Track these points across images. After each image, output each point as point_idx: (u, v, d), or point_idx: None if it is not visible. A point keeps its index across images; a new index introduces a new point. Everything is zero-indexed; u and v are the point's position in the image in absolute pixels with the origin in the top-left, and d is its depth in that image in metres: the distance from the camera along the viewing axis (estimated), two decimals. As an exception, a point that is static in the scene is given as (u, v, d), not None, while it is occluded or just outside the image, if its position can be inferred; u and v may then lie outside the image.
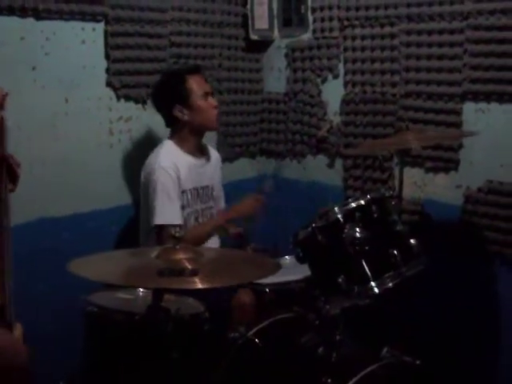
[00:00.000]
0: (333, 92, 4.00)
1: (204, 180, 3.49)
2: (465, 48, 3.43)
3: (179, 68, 3.61)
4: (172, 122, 3.43)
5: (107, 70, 3.53)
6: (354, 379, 2.45)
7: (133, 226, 3.56)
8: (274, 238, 3.77)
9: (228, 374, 2.70)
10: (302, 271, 2.94)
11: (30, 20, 3.22)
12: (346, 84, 3.94)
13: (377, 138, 3.80)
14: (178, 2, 3.78)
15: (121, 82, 3.56)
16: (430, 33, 3.55)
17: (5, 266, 2.11)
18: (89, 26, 3.44)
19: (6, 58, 3.15)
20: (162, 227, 3.19)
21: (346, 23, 3.89)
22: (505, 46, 3.30)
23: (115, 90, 3.56)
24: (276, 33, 4.23)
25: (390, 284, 2.61)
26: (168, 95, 3.39)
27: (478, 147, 3.45)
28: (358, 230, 2.61)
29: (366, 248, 2.61)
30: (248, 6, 4.11)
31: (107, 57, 3.51)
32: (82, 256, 2.40)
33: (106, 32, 3.49)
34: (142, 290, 2.74)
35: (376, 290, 2.59)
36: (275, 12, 4.20)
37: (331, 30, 3.96)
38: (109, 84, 3.55)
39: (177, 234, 2.33)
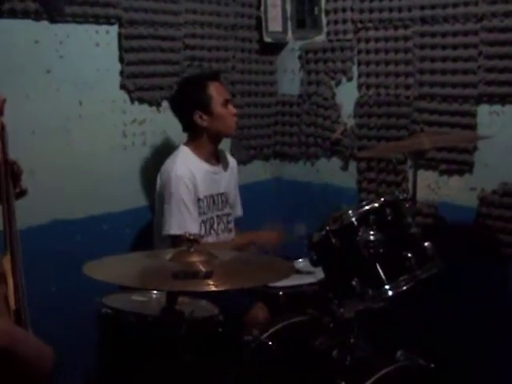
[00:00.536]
0: (347, 94, 4.00)
1: (220, 187, 3.48)
2: (479, 50, 3.41)
3: (200, 74, 3.62)
4: (190, 128, 3.42)
5: (121, 73, 3.53)
6: (369, 382, 2.44)
7: (147, 228, 3.57)
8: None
9: (241, 377, 2.70)
10: (316, 274, 2.94)
11: (44, 23, 3.23)
12: (359, 86, 3.93)
13: (391, 140, 3.79)
14: (191, 5, 3.78)
15: (135, 85, 3.57)
16: (444, 35, 3.54)
17: (17, 271, 2.11)
18: (102, 28, 3.44)
19: (20, 62, 3.16)
20: (178, 237, 3.17)
21: (359, 25, 3.88)
22: (520, 48, 3.29)
23: (129, 92, 3.57)
24: (290, 35, 4.22)
25: (404, 287, 2.61)
26: (189, 101, 3.38)
27: (492, 149, 3.43)
28: (372, 232, 2.61)
29: (380, 251, 2.60)
30: (262, 9, 4.11)
31: (121, 59, 3.52)
32: (96, 258, 2.41)
33: (119, 35, 3.49)
34: (155, 292, 2.74)
35: (390, 293, 2.58)
36: (289, 14, 4.20)
37: (345, 32, 3.95)
38: (123, 87, 3.55)
39: (191, 237, 2.33)
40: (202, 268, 2.24)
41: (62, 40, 3.30)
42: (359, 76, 3.93)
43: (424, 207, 3.64)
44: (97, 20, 3.40)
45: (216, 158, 3.50)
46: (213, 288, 2.18)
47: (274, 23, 4.18)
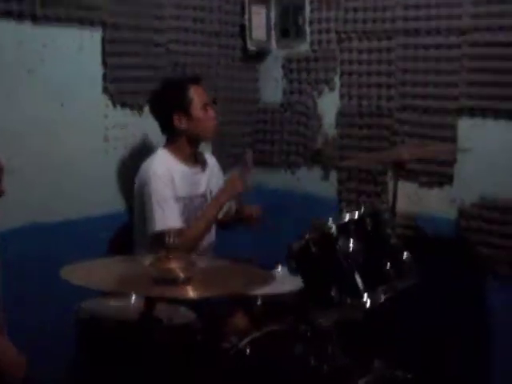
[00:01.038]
0: (329, 104, 4.01)
1: (200, 188, 3.47)
2: (462, 63, 3.44)
3: (181, 77, 3.61)
4: (169, 130, 3.42)
5: (104, 77, 3.52)
6: (345, 392, 2.45)
7: (125, 233, 3.55)
8: (267, 248, 3.76)
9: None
10: (295, 283, 2.94)
11: (28, 25, 3.21)
12: (342, 97, 3.95)
13: (372, 151, 3.80)
14: (175, 11, 3.78)
15: (117, 89, 3.56)
16: (426, 47, 3.56)
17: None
18: (86, 32, 3.43)
19: (2, 63, 3.14)
20: (162, 234, 3.16)
21: (343, 36, 3.90)
22: (502, 63, 3.32)
23: (111, 96, 3.56)
24: (273, 43, 4.24)
25: (383, 297, 2.61)
26: (168, 102, 3.37)
27: (472, 162, 3.45)
28: (351, 242, 2.61)
29: (360, 261, 2.61)
30: (246, 16, 4.12)
31: (104, 63, 3.51)
32: (74, 262, 2.39)
33: (103, 39, 3.48)
34: (134, 298, 2.72)
35: (368, 303, 2.58)
36: (273, 22, 4.22)
37: (328, 42, 3.98)
38: (105, 91, 3.54)
39: (170, 243, 2.32)
40: (181, 274, 2.23)
41: (46, 42, 3.29)
42: (341, 86, 3.95)
43: (404, 218, 3.65)
44: (81, 23, 3.39)
45: (195, 160, 3.48)
46: (191, 295, 2.17)
47: (258, 31, 4.20)
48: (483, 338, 3.45)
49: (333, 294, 2.59)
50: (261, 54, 4.28)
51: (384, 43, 3.72)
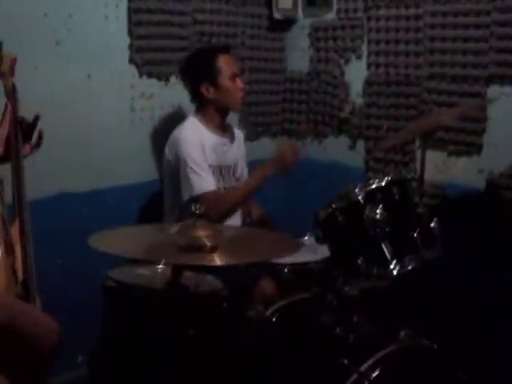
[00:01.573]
0: (356, 73, 3.98)
1: (227, 159, 3.47)
2: (491, 30, 3.39)
3: (211, 46, 3.60)
4: (197, 98, 3.42)
5: (130, 47, 3.52)
6: (371, 361, 2.45)
7: (153, 202, 3.57)
8: (295, 217, 3.76)
9: (245, 352, 2.71)
10: (322, 252, 2.94)
11: (53, -5, 3.22)
12: (369, 65, 3.92)
13: (399, 120, 3.77)
14: (201, -20, 3.77)
15: (143, 59, 3.55)
16: (455, 14, 3.51)
17: (26, 241, 2.11)
18: (112, 2, 3.43)
19: (29, 34, 3.14)
20: (200, 197, 3.16)
21: (370, 4, 3.86)
22: (531, 29, 3.26)
23: (138, 66, 3.56)
24: (300, 12, 4.20)
25: (410, 266, 2.61)
26: (196, 71, 3.37)
27: (501, 131, 3.42)
28: (378, 211, 2.59)
29: (386, 230, 2.59)
30: (272, -15, 4.09)
31: (130, 33, 3.50)
32: (101, 231, 2.41)
33: (129, 8, 3.48)
34: (161, 266, 2.74)
35: (395, 272, 2.58)
36: (299, -9, 4.18)
37: (355, 10, 3.93)
38: (131, 61, 3.54)
39: (197, 211, 2.33)
40: (207, 242, 2.24)
41: (71, 13, 3.29)
42: (369, 54, 3.91)
43: (431, 188, 3.62)
44: (106, -7, 3.39)
45: (224, 131, 3.49)
46: (217, 262, 2.18)
47: (284, 0, 4.16)
48: (510, 307, 3.43)
49: (359, 262, 2.59)
50: (287, 23, 4.24)
51: (412, 10, 3.67)
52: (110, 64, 3.46)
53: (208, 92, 3.35)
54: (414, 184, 2.80)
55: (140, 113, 3.62)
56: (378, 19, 3.84)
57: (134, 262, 2.72)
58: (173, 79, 3.69)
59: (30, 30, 3.15)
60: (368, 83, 3.92)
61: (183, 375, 2.43)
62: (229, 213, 3.25)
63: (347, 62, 4.02)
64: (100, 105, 3.45)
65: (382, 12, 3.81)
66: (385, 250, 2.60)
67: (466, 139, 3.54)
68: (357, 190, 2.64)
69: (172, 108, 3.73)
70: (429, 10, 3.60)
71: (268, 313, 2.78)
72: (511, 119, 3.36)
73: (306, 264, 3.16)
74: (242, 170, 3.62)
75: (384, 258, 2.59)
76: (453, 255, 2.78)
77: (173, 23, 3.65)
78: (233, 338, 2.68)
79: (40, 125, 2.36)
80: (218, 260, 2.17)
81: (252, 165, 3.78)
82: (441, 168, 3.65)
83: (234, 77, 3.38)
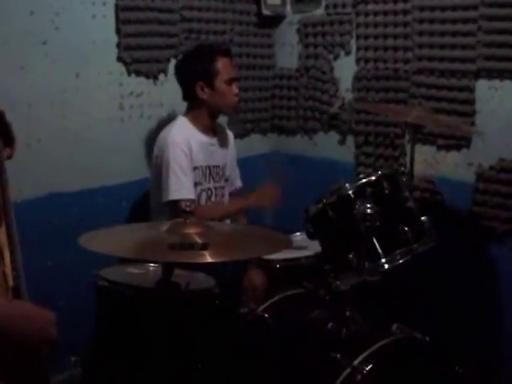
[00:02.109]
0: (345, 68, 3.98)
1: (216, 159, 3.47)
2: (479, 25, 3.39)
3: (212, 46, 3.55)
4: (190, 97, 3.40)
5: (118, 45, 3.51)
6: (364, 355, 2.45)
7: (143, 202, 3.56)
8: (285, 213, 3.76)
9: (237, 349, 2.71)
10: (313, 247, 2.94)
11: (40, -7, 3.21)
12: (358, 60, 3.92)
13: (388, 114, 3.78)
14: (189, -23, 3.76)
15: (131, 57, 3.54)
16: (443, 9, 3.51)
17: (14, 246, 2.08)
18: (99, 0, 3.42)
19: (16, 33, 3.13)
20: (175, 202, 3.17)
21: (358, -1, 3.86)
22: (519, 23, 3.27)
23: (126, 65, 3.55)
24: (288, 8, 4.20)
25: (401, 261, 2.61)
26: (194, 70, 3.35)
27: (490, 125, 3.42)
28: (368, 206, 2.59)
29: (377, 224, 2.59)
30: (260, -19, 4.08)
31: (118, 31, 3.49)
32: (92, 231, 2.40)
33: (116, 6, 3.46)
34: (152, 265, 2.74)
35: (386, 266, 2.58)
36: (287, -13, 4.18)
37: (344, 5, 3.93)
38: (119, 59, 3.53)
39: (187, 208, 2.32)
40: (198, 240, 2.24)
41: (58, 11, 3.27)
42: (357, 50, 3.91)
43: (421, 182, 3.64)
44: (93, -10, 3.38)
45: (213, 131, 3.49)
46: (209, 259, 2.17)
47: (273, -4, 4.16)
48: (500, 301, 3.44)
49: (351, 257, 2.59)
50: (276, 19, 4.24)
51: (400, 5, 3.67)
52: (98, 62, 3.45)
53: (203, 92, 3.34)
54: (404, 178, 2.80)
55: (129, 111, 3.61)
56: (366, 14, 3.84)
57: (126, 260, 2.71)
58: (162, 77, 3.69)
59: (17, 29, 3.14)
60: (357, 78, 3.93)
61: (176, 373, 2.43)
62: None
63: (336, 57, 4.02)
64: (88, 104, 3.43)
65: (371, 7, 3.81)
66: (375, 244, 2.60)
67: (456, 133, 3.55)
68: (347, 185, 2.65)
69: (161, 106, 3.72)
70: (417, 4, 3.60)
71: (260, 309, 2.79)
72: (500, 113, 3.38)
73: (297, 259, 3.16)
74: (234, 170, 3.61)
75: (375, 252, 2.59)
76: (443, 248, 2.79)
77: (161, 21, 3.64)
78: (225, 336, 2.68)
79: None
80: (209, 257, 2.17)
81: (242, 162, 3.79)
82: (430, 162, 3.66)
83: (230, 81, 3.37)
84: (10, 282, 2.06)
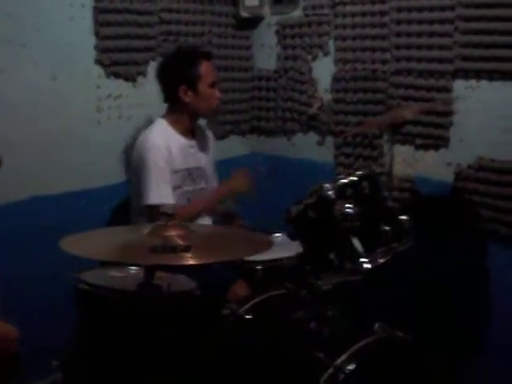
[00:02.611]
0: (323, 69, 3.99)
1: (196, 161, 3.47)
2: (455, 25, 3.42)
3: (194, 49, 3.56)
4: (172, 100, 3.39)
5: (96, 47, 3.50)
6: (346, 354, 2.45)
7: (124, 204, 3.55)
8: (265, 215, 3.77)
9: (220, 350, 2.71)
10: (294, 248, 2.95)
11: (18, -4, 3.19)
12: (336, 61, 3.93)
13: (367, 115, 3.80)
14: (167, -21, 3.75)
15: (110, 60, 3.54)
16: (420, 10, 3.54)
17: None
18: (77, 2, 3.40)
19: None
20: (154, 207, 3.16)
21: (336, 0, 3.87)
22: (495, 24, 3.29)
23: (104, 67, 3.54)
24: (266, 9, 4.20)
25: (381, 260, 2.63)
26: (177, 73, 3.35)
27: (468, 124, 3.45)
28: (349, 206, 2.61)
29: (357, 224, 2.61)
30: (238, -17, 4.09)
31: (96, 33, 3.48)
32: (73, 234, 2.39)
33: (94, 8, 3.46)
34: (134, 268, 2.73)
35: (367, 265, 2.60)
36: (265, -12, 4.18)
37: (322, 7, 3.94)
38: (98, 61, 3.52)
39: (169, 211, 2.32)
40: (180, 242, 2.24)
41: (37, 13, 3.26)
42: (336, 51, 3.92)
43: (400, 182, 3.65)
44: (71, -7, 3.36)
45: (193, 133, 3.49)
46: (191, 262, 2.17)
47: (251, -2, 4.17)
48: (481, 299, 3.47)
49: (332, 257, 2.60)
50: (254, 21, 4.25)
51: (378, 6, 3.69)
52: (76, 65, 3.44)
53: (186, 95, 3.33)
54: (383, 178, 2.82)
55: (107, 113, 3.60)
56: (344, 16, 3.86)
57: (107, 263, 2.70)
58: (140, 79, 3.68)
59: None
60: (336, 79, 3.94)
61: (158, 376, 2.42)
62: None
63: (315, 58, 4.03)
64: (66, 106, 3.42)
65: (349, 8, 3.83)
66: (356, 244, 2.61)
67: (434, 133, 3.57)
68: (327, 186, 2.66)
69: (139, 108, 3.71)
70: (394, 5, 3.62)
71: (242, 310, 2.79)
72: (477, 112, 3.40)
73: (279, 260, 3.17)
74: (212, 172, 3.61)
75: (355, 252, 2.60)
76: (423, 247, 2.81)
77: (139, 23, 3.64)
78: (207, 337, 2.68)
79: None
80: (190, 260, 2.17)
81: (221, 164, 3.79)
82: (409, 162, 3.68)
83: (213, 85, 3.38)
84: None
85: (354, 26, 3.82)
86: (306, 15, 4.02)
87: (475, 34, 3.36)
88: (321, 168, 3.99)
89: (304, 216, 2.67)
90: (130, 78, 3.65)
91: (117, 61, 3.57)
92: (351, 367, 2.42)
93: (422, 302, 3.47)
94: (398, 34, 3.64)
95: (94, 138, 3.54)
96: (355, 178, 2.70)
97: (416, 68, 3.59)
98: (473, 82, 3.42)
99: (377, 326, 2.61)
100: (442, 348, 3.24)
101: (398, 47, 3.65)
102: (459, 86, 3.46)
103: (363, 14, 3.77)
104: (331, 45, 3.94)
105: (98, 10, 3.46)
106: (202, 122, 3.75)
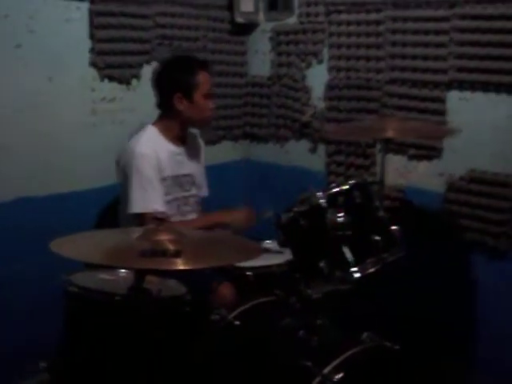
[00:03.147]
0: (317, 77, 4.00)
1: (185, 168, 3.44)
2: (450, 36, 3.43)
3: (192, 58, 3.52)
4: (166, 107, 3.35)
5: (91, 50, 3.50)
6: (334, 363, 2.46)
7: (113, 207, 3.53)
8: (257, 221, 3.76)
9: (208, 356, 2.70)
10: (284, 255, 2.95)
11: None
12: (330, 69, 3.94)
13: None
14: (163, -17, 3.76)
15: (105, 62, 3.53)
16: (415, 20, 3.55)
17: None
18: (73, 4, 3.41)
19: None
20: (139, 215, 3.14)
21: (331, 8, 3.88)
22: (490, 36, 3.30)
23: (99, 70, 3.53)
24: (261, 16, 4.21)
25: (371, 269, 2.63)
26: (174, 81, 3.31)
27: (461, 136, 3.44)
28: (340, 215, 2.61)
29: (348, 233, 2.61)
30: (234, -11, 4.09)
31: (91, 36, 3.48)
32: (62, 236, 2.38)
33: (90, 11, 3.46)
34: (123, 271, 2.73)
35: (357, 275, 2.60)
36: (261, -5, 4.19)
37: (317, 14, 3.95)
38: (92, 64, 3.52)
39: (160, 215, 2.32)
40: (171, 247, 2.23)
41: (32, 15, 3.25)
42: (330, 59, 3.93)
43: (392, 191, 3.66)
44: (67, -5, 3.36)
45: (182, 140, 3.45)
46: (181, 267, 2.17)
47: (246, 4, 4.17)
48: (469, 310, 3.47)
49: (322, 266, 2.60)
50: (249, 27, 4.25)
51: (373, 15, 3.70)
52: (71, 67, 3.44)
53: (180, 103, 3.30)
54: (375, 188, 2.82)
55: (101, 116, 3.60)
56: (339, 24, 3.86)
57: (96, 266, 2.69)
58: (134, 82, 3.68)
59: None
60: (329, 87, 3.95)
61: (147, 380, 2.41)
62: None
63: (308, 66, 4.04)
64: (60, 108, 3.42)
65: (344, 17, 3.83)
66: (346, 253, 2.62)
67: (427, 143, 3.58)
68: (319, 194, 2.66)
69: (133, 111, 3.70)
70: (389, 15, 3.63)
71: (231, 316, 2.78)
72: (470, 124, 3.41)
73: (269, 267, 3.17)
74: (202, 179, 3.59)
75: (346, 261, 2.61)
76: (413, 257, 2.81)
77: (134, 26, 3.64)
78: (196, 342, 2.67)
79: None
80: (181, 264, 2.16)
81: (213, 169, 3.78)
82: (401, 172, 3.69)
83: (208, 95, 3.35)
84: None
85: (348, 35, 3.83)
86: (301, 22, 4.03)
87: (470, 45, 3.38)
88: (313, 176, 3.99)
89: (295, 223, 2.68)
90: (124, 81, 3.65)
91: (111, 64, 3.57)
92: (339, 376, 2.42)
93: (411, 313, 3.46)
94: (393, 44, 3.65)
95: (86, 140, 3.54)
96: (347, 187, 2.70)
97: (410, 78, 3.60)
98: (467, 94, 3.44)
99: (365, 335, 2.62)
100: (429, 358, 3.25)
101: (392, 56, 3.66)
102: (453, 96, 3.48)
103: (358, 23, 3.78)
104: (325, 53, 3.95)
105: (93, 13, 3.45)
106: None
